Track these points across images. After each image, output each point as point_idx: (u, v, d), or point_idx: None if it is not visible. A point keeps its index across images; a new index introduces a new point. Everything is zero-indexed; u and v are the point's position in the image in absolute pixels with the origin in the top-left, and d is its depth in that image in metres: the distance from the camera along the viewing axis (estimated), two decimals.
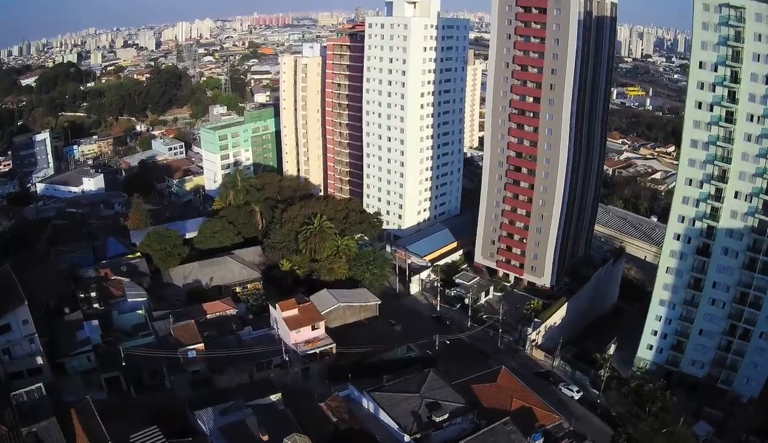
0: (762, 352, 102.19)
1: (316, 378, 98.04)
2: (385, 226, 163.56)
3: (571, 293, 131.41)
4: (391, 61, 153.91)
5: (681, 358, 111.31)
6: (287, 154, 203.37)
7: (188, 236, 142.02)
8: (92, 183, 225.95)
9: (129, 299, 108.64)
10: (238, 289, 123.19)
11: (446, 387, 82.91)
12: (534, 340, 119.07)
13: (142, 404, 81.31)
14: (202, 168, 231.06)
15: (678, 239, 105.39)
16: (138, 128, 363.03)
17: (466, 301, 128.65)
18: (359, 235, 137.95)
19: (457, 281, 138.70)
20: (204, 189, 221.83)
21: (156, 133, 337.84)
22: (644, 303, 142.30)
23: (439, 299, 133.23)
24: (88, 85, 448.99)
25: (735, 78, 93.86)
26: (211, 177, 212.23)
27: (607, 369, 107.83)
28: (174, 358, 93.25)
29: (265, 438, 67.88)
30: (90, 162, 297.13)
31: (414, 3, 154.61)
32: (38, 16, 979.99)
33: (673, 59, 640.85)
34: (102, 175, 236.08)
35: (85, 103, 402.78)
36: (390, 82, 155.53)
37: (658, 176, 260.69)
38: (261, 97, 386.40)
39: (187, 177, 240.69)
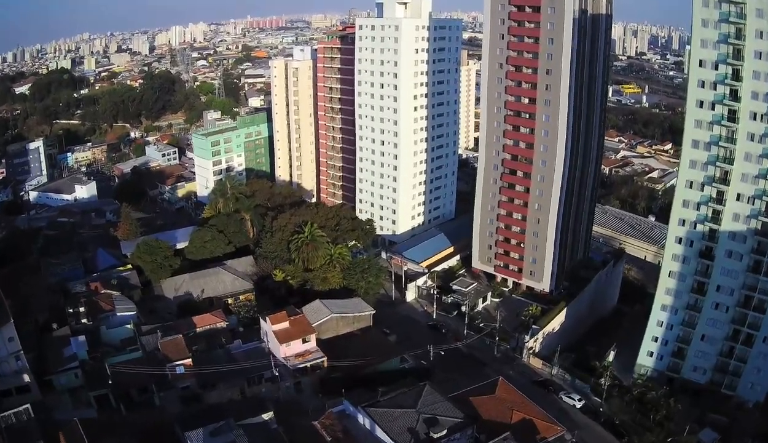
0: (766, 357, 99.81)
1: (308, 391, 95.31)
2: (379, 231, 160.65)
3: (570, 298, 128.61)
4: (382, 63, 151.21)
5: (682, 365, 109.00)
6: (280, 159, 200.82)
7: (179, 246, 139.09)
8: (84, 191, 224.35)
9: (118, 313, 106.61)
10: (230, 301, 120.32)
11: (443, 401, 79.86)
12: (531, 348, 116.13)
13: (131, 422, 79.34)
14: (195, 174, 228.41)
15: (680, 242, 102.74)
16: (132, 134, 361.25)
17: (463, 309, 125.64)
18: (353, 242, 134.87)
19: (454, 287, 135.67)
20: (196, 195, 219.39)
21: (150, 139, 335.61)
22: (645, 305, 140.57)
23: (435, 306, 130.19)
24: (82, 92, 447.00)
25: (737, 76, 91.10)
26: (204, 183, 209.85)
27: (608, 378, 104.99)
28: (162, 374, 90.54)
29: None
30: (83, 169, 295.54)
31: (405, 4, 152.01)
32: (32, 22, 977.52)
33: (668, 56, 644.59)
34: (94, 182, 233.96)
35: (79, 111, 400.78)
36: (382, 85, 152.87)
37: (655, 174, 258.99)
38: (255, 102, 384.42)
39: (179, 183, 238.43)
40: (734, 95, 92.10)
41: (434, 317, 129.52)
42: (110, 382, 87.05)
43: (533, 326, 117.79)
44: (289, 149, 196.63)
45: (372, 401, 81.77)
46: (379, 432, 74.96)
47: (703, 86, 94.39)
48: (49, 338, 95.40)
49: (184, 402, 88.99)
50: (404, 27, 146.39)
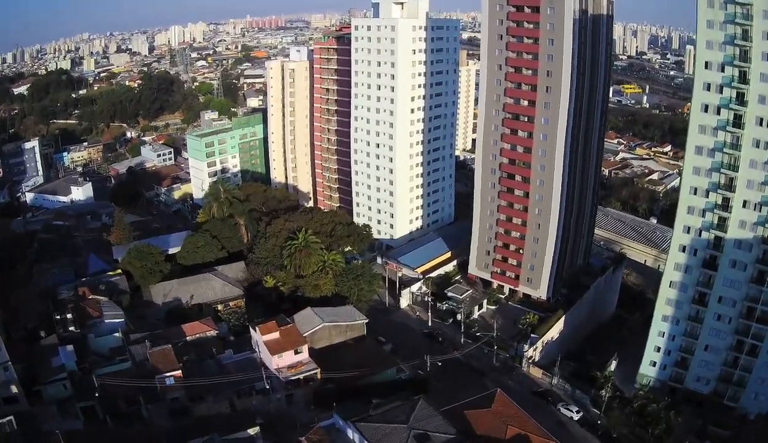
0: None
1: (301, 403, 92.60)
2: (376, 236, 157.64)
3: (568, 305, 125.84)
4: (379, 64, 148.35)
5: (685, 375, 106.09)
6: (275, 161, 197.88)
7: (172, 251, 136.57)
8: (81, 192, 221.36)
9: (106, 320, 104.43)
10: (220, 307, 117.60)
11: (436, 416, 77.01)
12: (531, 357, 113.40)
13: (117, 435, 77.66)
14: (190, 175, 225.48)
15: (683, 250, 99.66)
16: (128, 134, 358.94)
17: (459, 317, 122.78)
18: (348, 248, 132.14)
19: (449, 294, 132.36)
20: (192, 198, 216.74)
21: (146, 139, 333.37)
22: (644, 311, 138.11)
23: (430, 313, 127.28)
24: (80, 92, 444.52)
25: (743, 79, 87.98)
26: (199, 185, 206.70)
27: (609, 389, 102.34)
28: (151, 386, 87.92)
29: None
30: (79, 169, 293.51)
31: (401, 4, 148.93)
32: (32, 22, 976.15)
33: (668, 56, 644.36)
34: (90, 183, 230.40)
35: (76, 111, 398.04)
36: (378, 86, 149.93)
37: (655, 176, 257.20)
38: (254, 102, 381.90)
39: (175, 185, 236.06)
40: (740, 99, 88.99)
41: (429, 324, 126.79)
42: (97, 394, 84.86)
43: (532, 335, 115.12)
44: (285, 151, 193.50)
45: (363, 415, 79.47)
46: None
47: (708, 89, 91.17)
48: (37, 347, 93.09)
49: (172, 415, 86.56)
50: (401, 27, 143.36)
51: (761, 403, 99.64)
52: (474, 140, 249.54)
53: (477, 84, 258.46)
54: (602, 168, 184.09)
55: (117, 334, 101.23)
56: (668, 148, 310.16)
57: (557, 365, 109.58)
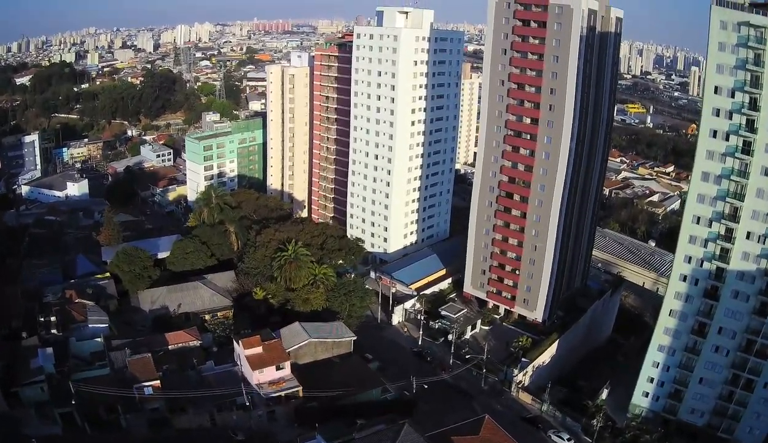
0: (766, 403, 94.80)
1: (282, 421, 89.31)
2: (370, 249, 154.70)
3: (563, 329, 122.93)
4: (380, 74, 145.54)
5: (679, 406, 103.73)
6: (272, 167, 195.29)
7: (161, 255, 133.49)
8: (76, 188, 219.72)
9: (90, 325, 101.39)
10: (207, 317, 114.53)
11: (422, 442, 74.38)
12: (521, 382, 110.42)
13: (96, 442, 76.92)
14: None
15: (684, 280, 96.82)
16: (129, 132, 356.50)
17: (450, 337, 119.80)
18: (340, 261, 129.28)
19: (442, 313, 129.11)
20: (186, 200, 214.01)
21: (147, 138, 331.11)
22: (640, 336, 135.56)
23: (421, 332, 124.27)
24: (83, 86, 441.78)
25: (754, 105, 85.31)
26: (194, 188, 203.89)
27: (601, 419, 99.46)
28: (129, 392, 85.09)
29: None
30: (78, 166, 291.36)
31: (406, 13, 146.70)
32: (39, 14, 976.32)
33: (673, 77, 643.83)
34: (86, 180, 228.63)
35: (78, 105, 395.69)
36: (379, 97, 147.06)
37: (655, 198, 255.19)
38: (256, 105, 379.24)
39: (171, 186, 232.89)
40: (750, 126, 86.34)
41: (420, 343, 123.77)
42: (73, 402, 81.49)
43: (523, 359, 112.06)
44: (282, 158, 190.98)
45: (346, 438, 76.77)
46: None
47: (717, 115, 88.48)
48: (17, 347, 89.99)
49: (151, 426, 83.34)
50: (403, 37, 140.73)
51: (756, 437, 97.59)
52: (476, 154, 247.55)
53: (480, 98, 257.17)
54: (603, 188, 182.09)
55: (98, 339, 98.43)
56: (671, 168, 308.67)
57: (547, 391, 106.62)
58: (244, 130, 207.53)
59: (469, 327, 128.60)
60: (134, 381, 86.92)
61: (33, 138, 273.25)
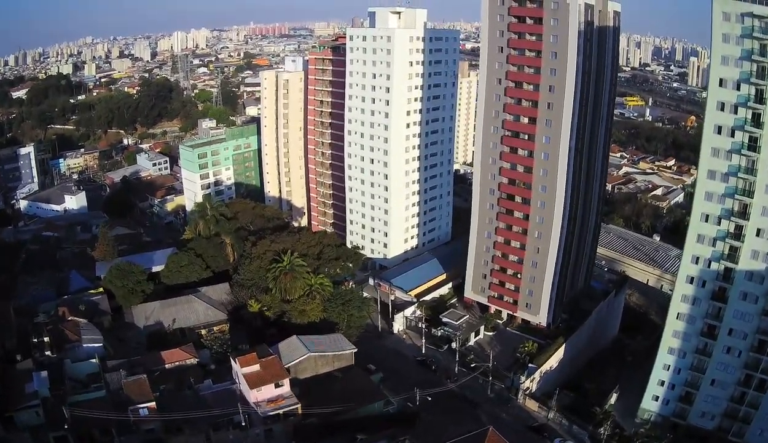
0: None
1: (281, 439, 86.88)
2: (369, 255, 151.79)
3: (569, 332, 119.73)
4: (374, 76, 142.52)
5: (689, 410, 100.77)
6: (268, 174, 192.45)
7: (156, 269, 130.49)
8: (74, 201, 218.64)
9: (84, 345, 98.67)
10: (203, 332, 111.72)
11: None
12: (527, 388, 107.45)
13: None
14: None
15: (691, 282, 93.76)
16: (126, 141, 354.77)
17: (453, 345, 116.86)
18: (338, 270, 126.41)
19: (444, 320, 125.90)
20: (184, 210, 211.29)
21: (144, 146, 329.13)
22: (647, 335, 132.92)
23: (424, 340, 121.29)
24: (79, 97, 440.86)
25: (760, 98, 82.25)
26: (192, 197, 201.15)
27: (608, 427, 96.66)
28: (124, 415, 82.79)
29: None
30: (75, 176, 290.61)
31: (398, 14, 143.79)
32: (36, 25, 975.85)
33: (672, 68, 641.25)
34: (83, 193, 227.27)
35: (74, 116, 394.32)
36: (373, 100, 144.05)
37: (659, 192, 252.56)
38: (253, 111, 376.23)
39: (169, 196, 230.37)
40: (756, 120, 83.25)
41: (423, 351, 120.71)
42: (66, 427, 79.33)
43: (530, 365, 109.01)
44: (278, 164, 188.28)
45: None
46: None
47: (722, 109, 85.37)
48: (11, 371, 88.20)
49: None
50: (397, 38, 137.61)
51: (767, 440, 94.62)
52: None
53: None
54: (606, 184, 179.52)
55: (94, 360, 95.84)
56: (672, 162, 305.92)
57: (554, 398, 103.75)
58: (239, 136, 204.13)
59: (472, 334, 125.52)
60: (130, 403, 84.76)
61: (29, 150, 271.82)
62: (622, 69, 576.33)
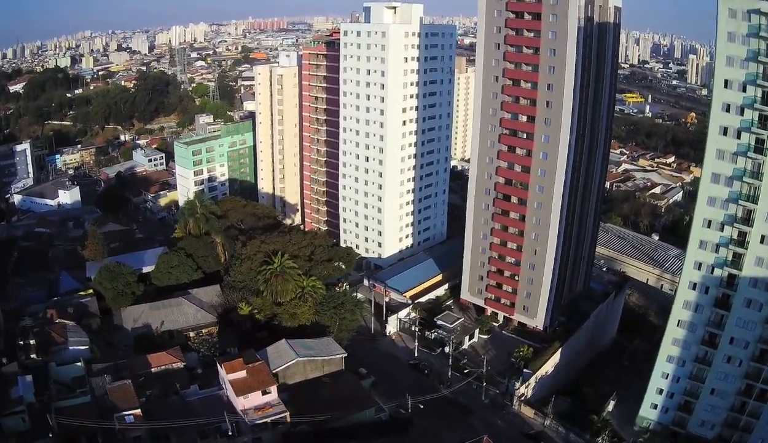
0: None
1: None
2: (364, 254, 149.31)
3: (566, 335, 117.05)
4: (369, 72, 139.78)
5: (688, 419, 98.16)
6: (263, 171, 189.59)
7: (146, 269, 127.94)
8: (68, 196, 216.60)
9: (71, 347, 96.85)
10: (192, 334, 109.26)
11: None
12: (523, 394, 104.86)
13: None
14: None
15: (693, 288, 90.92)
16: (122, 137, 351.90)
17: (447, 350, 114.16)
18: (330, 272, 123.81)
19: (439, 323, 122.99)
20: (178, 205, 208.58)
21: (141, 142, 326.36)
22: (646, 337, 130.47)
23: (417, 343, 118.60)
24: (76, 92, 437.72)
25: (767, 99, 79.50)
26: (185, 194, 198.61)
27: (606, 438, 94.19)
28: (109, 421, 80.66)
29: None
30: (71, 172, 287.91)
31: (394, 8, 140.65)
32: (34, 18, 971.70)
33: (671, 65, 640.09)
34: (77, 188, 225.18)
35: (71, 111, 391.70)
36: (368, 96, 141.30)
37: (658, 190, 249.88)
38: (251, 105, 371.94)
39: (162, 192, 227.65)
40: (763, 122, 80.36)
41: (416, 354, 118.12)
42: (51, 435, 77.80)
43: (525, 371, 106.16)
44: (272, 161, 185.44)
45: None
46: None
47: (728, 111, 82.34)
48: None
49: None
50: (392, 33, 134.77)
51: None
52: None
53: None
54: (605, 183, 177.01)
55: (79, 363, 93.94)
56: (672, 159, 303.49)
57: (551, 405, 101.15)
58: (234, 133, 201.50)
59: (467, 337, 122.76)
60: (115, 410, 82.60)
61: (24, 147, 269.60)
62: (621, 66, 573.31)
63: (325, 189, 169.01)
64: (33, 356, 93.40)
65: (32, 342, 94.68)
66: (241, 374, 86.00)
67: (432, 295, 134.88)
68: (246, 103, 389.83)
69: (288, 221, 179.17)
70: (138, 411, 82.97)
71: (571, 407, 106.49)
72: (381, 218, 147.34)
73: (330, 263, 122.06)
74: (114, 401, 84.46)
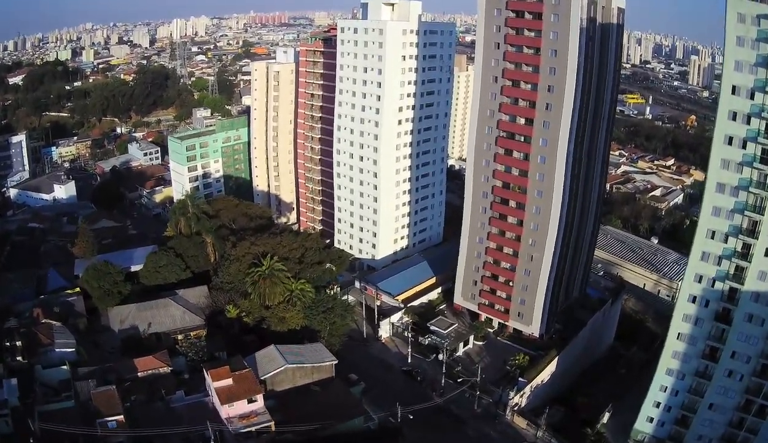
0: None
1: None
2: (358, 255, 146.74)
3: (562, 343, 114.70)
4: (365, 70, 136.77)
5: (685, 434, 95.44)
6: (257, 168, 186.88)
7: (135, 268, 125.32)
8: (63, 191, 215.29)
9: (56, 349, 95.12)
10: (179, 337, 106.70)
11: None
12: (516, 404, 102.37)
13: None
14: None
15: (694, 301, 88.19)
16: (119, 129, 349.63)
17: (440, 357, 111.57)
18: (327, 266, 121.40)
19: (432, 328, 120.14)
20: (172, 202, 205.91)
21: (137, 135, 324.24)
22: (643, 344, 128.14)
23: (410, 349, 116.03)
24: (75, 84, 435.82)
25: None
26: (180, 190, 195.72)
27: None
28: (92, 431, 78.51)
29: None
30: (66, 165, 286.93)
31: (392, 5, 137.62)
32: (36, 10, 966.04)
33: (672, 66, 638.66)
34: (73, 182, 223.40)
35: (69, 104, 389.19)
36: (364, 95, 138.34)
37: (657, 193, 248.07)
38: (249, 100, 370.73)
39: (158, 187, 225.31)
40: None
41: (409, 361, 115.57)
42: (31, 441, 75.98)
43: (520, 380, 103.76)
44: (267, 158, 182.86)
45: None
46: None
47: (734, 119, 79.38)
48: None
49: None
50: (390, 31, 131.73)
51: None
52: None
53: None
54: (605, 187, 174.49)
55: (65, 366, 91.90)
56: (671, 162, 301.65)
57: (544, 416, 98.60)
58: (229, 128, 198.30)
59: (461, 344, 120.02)
60: (98, 416, 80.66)
61: (20, 138, 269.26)
62: (623, 66, 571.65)
63: (320, 188, 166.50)
64: (18, 358, 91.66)
65: (18, 343, 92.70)
66: (227, 381, 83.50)
67: (425, 299, 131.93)
68: (245, 97, 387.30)
69: (283, 220, 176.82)
70: (121, 417, 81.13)
71: (564, 418, 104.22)
72: (376, 218, 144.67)
73: (320, 266, 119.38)
74: (97, 406, 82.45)
